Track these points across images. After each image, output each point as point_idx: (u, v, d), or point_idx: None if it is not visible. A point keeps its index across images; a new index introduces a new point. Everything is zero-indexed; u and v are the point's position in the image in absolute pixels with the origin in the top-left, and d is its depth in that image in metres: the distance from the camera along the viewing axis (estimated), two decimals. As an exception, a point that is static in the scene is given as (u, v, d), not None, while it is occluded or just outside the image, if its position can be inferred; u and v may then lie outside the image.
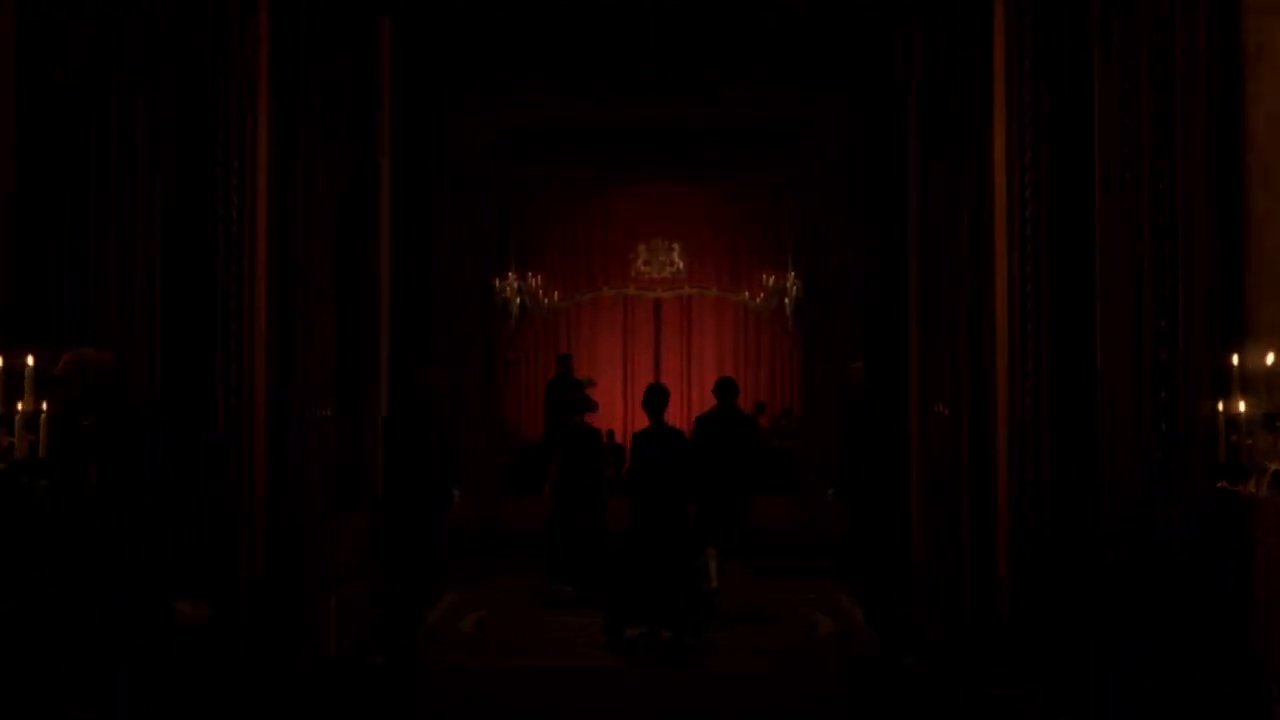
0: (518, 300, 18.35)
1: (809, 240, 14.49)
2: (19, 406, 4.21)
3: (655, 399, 8.94)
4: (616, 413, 18.29)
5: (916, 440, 7.98)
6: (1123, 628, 6.04)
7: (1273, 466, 4.47)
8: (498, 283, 17.99)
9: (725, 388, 9.91)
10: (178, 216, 6.31)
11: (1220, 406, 4.72)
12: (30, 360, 4.38)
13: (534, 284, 18.45)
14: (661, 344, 19.35)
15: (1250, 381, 4.80)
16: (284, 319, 6.64)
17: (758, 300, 18.87)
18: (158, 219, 6.18)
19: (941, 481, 7.36)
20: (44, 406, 4.29)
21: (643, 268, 19.39)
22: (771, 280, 18.61)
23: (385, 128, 10.24)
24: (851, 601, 9.63)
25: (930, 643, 8.02)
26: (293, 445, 6.84)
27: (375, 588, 8.34)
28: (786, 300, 18.53)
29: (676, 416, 17.53)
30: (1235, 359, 4.77)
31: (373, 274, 9.89)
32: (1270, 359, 4.72)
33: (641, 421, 8.99)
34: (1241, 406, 4.63)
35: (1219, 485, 4.74)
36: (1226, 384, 4.79)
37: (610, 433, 15.81)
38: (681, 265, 19.36)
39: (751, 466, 9.86)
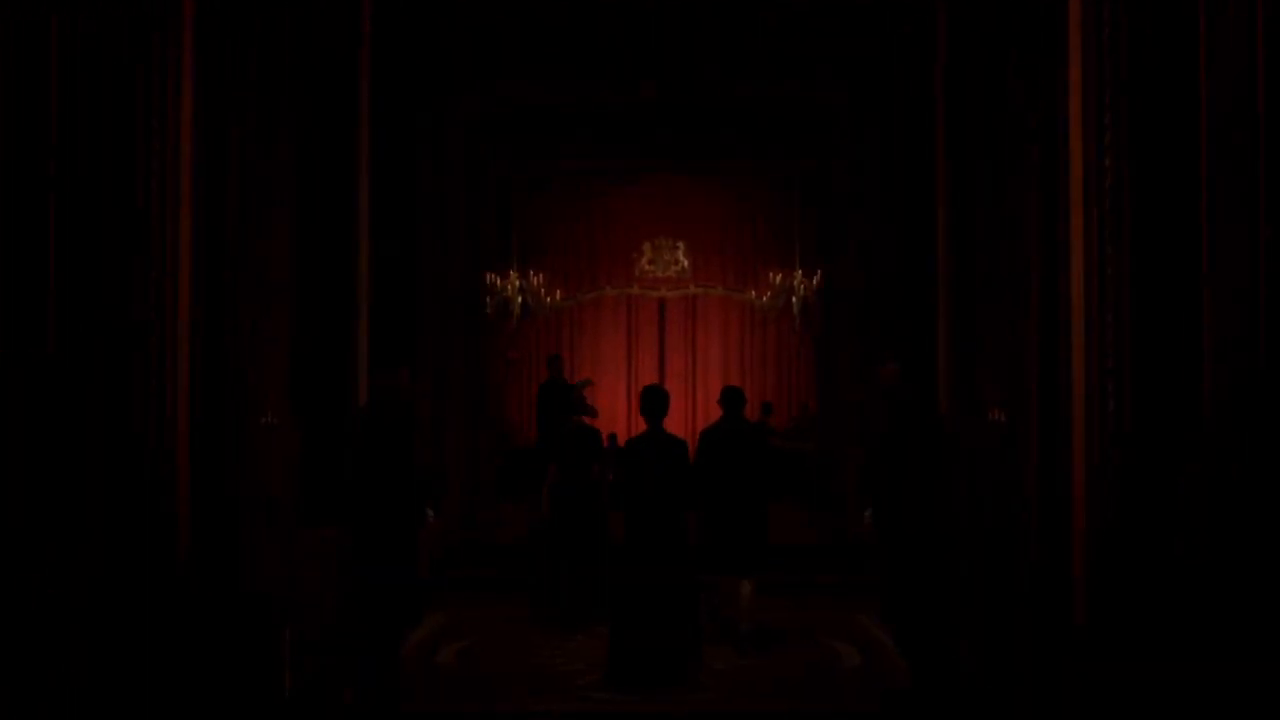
0: (519, 299, 17.13)
1: (823, 234, 13.13)
2: None
3: (654, 402, 7.56)
4: (619, 415, 16.99)
5: (959, 447, 6.61)
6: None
7: None
8: (499, 281, 16.80)
9: (731, 398, 8.51)
10: (81, 190, 4.96)
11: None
12: None
13: (536, 283, 17.25)
14: (666, 344, 18.09)
15: None
16: (214, 314, 5.28)
17: (765, 300, 17.64)
18: (51, 190, 4.84)
19: (990, 493, 5.99)
20: None
21: (647, 266, 18.15)
22: (779, 279, 17.39)
23: (364, 113, 8.88)
24: (877, 625, 8.23)
25: (973, 676, 6.67)
26: (229, 457, 5.48)
27: (342, 615, 6.99)
28: (794, 299, 17.34)
29: (680, 419, 16.28)
30: None
31: (350, 268, 8.53)
32: None
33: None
34: None
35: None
36: None
37: (612, 436, 14.44)
38: (686, 264, 18.12)
39: (764, 482, 8.45)
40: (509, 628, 8.40)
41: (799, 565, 9.91)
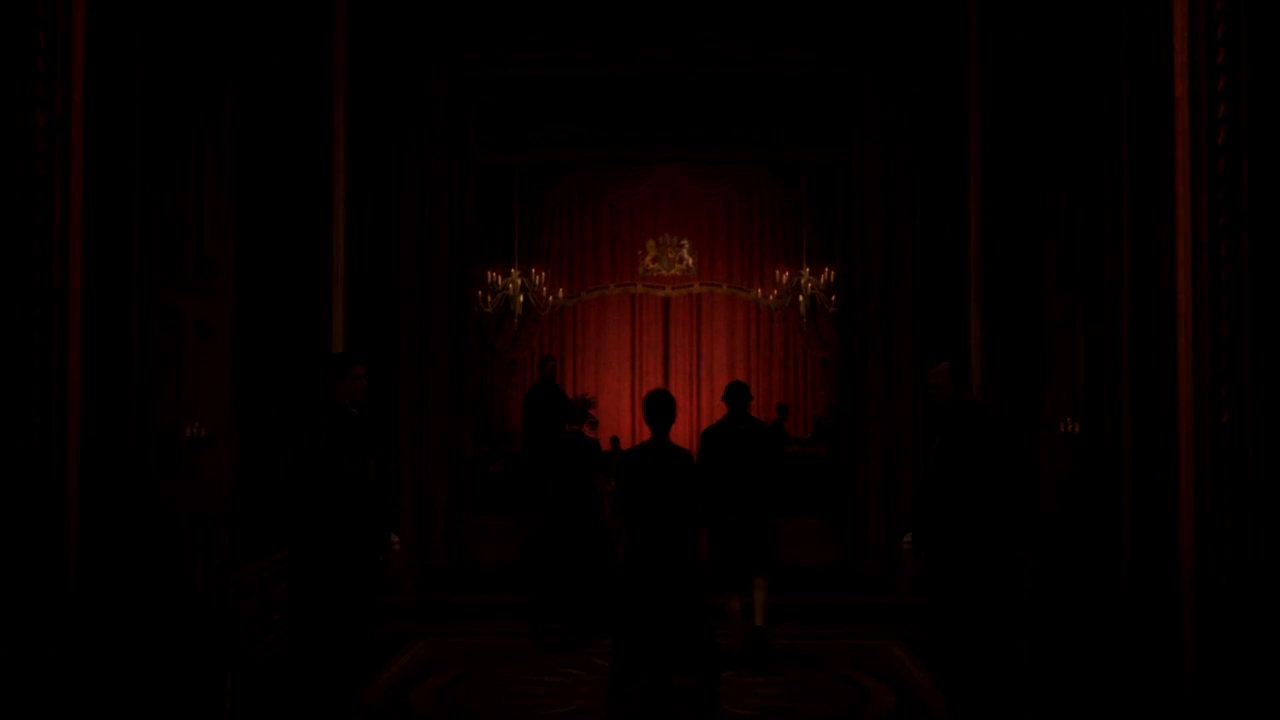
0: (520, 298, 16.01)
1: (839, 228, 11.95)
2: None
3: (659, 410, 6.38)
4: (623, 416, 15.84)
5: (1020, 460, 5.42)
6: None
7: None
8: (500, 279, 15.69)
9: (736, 394, 7.41)
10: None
11: None
12: None
13: (538, 280, 16.13)
14: (671, 344, 16.96)
15: None
16: (117, 301, 4.12)
17: (771, 298, 16.51)
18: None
19: (1062, 518, 4.82)
20: None
21: (651, 264, 17.08)
22: (785, 277, 16.27)
23: (341, 95, 7.73)
24: (910, 658, 7.05)
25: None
26: (133, 474, 4.32)
27: (295, 654, 5.81)
28: (801, 298, 16.22)
29: (685, 419, 15.07)
30: None
31: (320, 262, 7.37)
32: None
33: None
34: None
35: None
36: None
37: (614, 439, 13.29)
38: (691, 262, 17.06)
39: (771, 484, 7.34)
40: (496, 659, 7.21)
41: (818, 585, 8.72)
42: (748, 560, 7.18)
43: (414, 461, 8.49)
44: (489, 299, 15.62)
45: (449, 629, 7.86)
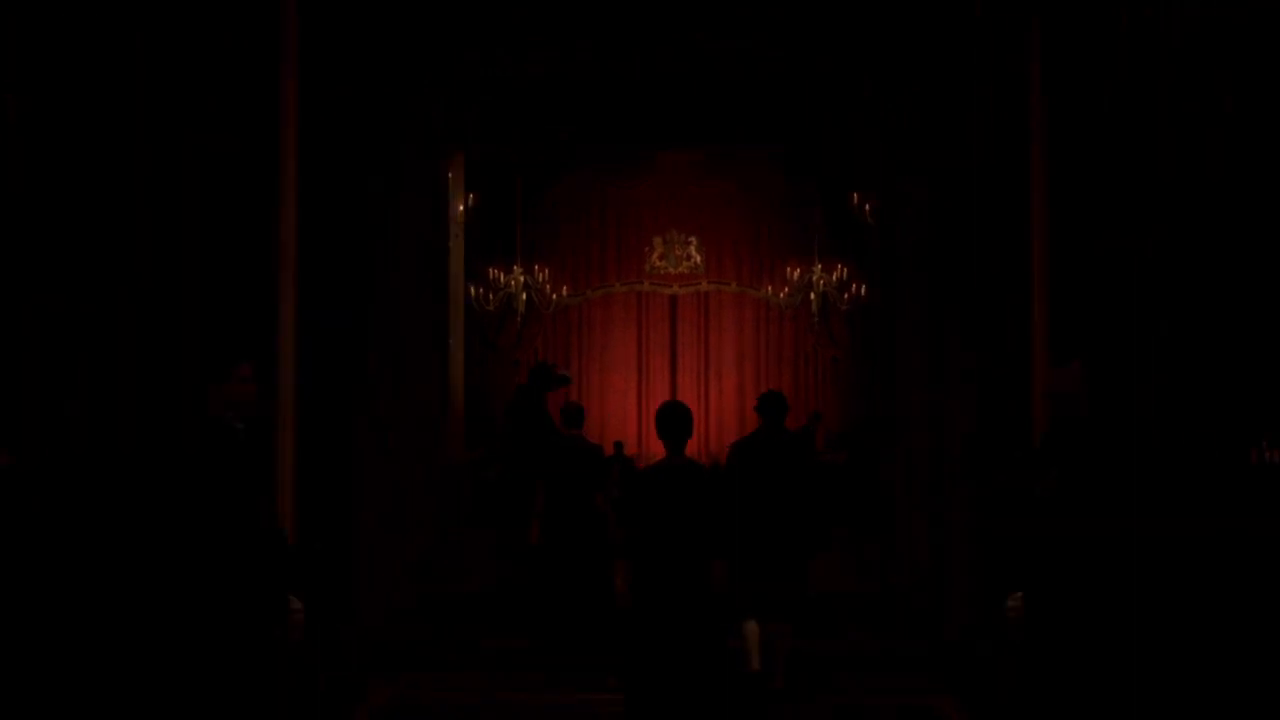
0: (523, 295, 14.62)
1: (849, 226, 10.61)
2: None
3: (673, 423, 5.02)
4: (629, 419, 14.39)
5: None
6: None
7: None
8: (502, 277, 14.30)
9: (772, 405, 6.05)
10: None
11: None
12: None
13: (541, 278, 14.73)
14: (678, 343, 15.53)
15: None
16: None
17: (781, 296, 15.09)
18: None
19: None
20: None
21: (658, 262, 15.72)
22: (796, 274, 14.85)
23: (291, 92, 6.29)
24: (964, 715, 5.59)
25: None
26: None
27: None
28: (813, 295, 14.81)
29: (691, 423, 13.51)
30: None
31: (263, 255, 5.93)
32: None
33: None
34: None
35: None
36: None
37: (619, 445, 11.85)
38: (699, 259, 15.67)
39: (809, 507, 5.98)
40: (475, 709, 5.78)
41: (848, 619, 7.20)
42: (771, 599, 5.83)
43: (385, 474, 7.01)
44: (490, 296, 14.26)
45: (427, 667, 6.43)
